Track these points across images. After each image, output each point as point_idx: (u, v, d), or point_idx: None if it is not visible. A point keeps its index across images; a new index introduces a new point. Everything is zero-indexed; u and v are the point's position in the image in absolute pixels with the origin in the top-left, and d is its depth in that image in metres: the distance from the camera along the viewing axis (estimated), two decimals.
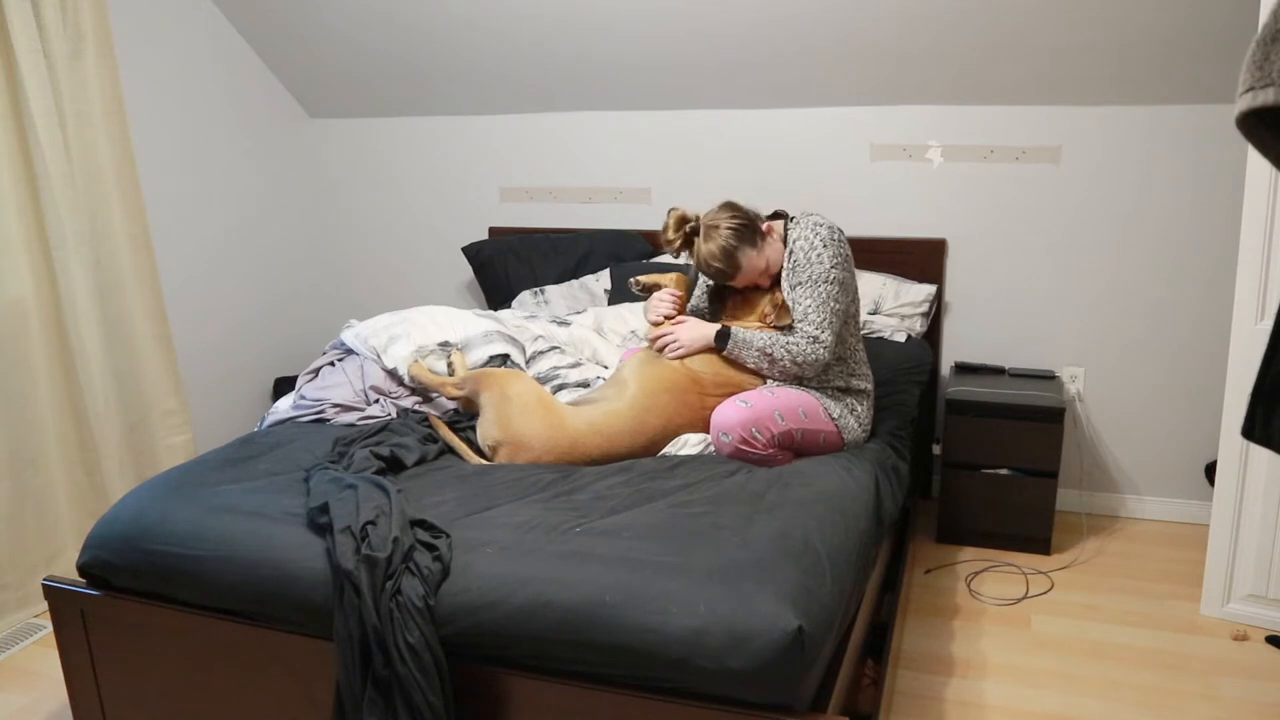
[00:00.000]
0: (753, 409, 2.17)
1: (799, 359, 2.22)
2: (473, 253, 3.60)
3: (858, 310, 2.36)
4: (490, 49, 3.38)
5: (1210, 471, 2.97)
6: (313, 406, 2.47)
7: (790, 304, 2.25)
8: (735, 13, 3.02)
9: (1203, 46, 2.74)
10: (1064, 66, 2.92)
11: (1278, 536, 2.46)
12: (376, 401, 2.49)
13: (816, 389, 2.31)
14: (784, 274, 2.29)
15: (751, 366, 2.29)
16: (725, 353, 2.29)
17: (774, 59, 3.15)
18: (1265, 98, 1.24)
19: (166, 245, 3.28)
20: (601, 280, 3.40)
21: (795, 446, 2.24)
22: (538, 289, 3.42)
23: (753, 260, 2.24)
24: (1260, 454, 2.42)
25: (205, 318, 3.55)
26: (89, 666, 1.92)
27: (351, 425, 2.38)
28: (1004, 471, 2.96)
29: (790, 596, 1.50)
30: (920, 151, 3.24)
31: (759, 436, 2.16)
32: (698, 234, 2.26)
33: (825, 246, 2.21)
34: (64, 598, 1.90)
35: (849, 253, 2.28)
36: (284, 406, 2.53)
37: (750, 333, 2.27)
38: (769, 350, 2.24)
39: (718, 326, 2.30)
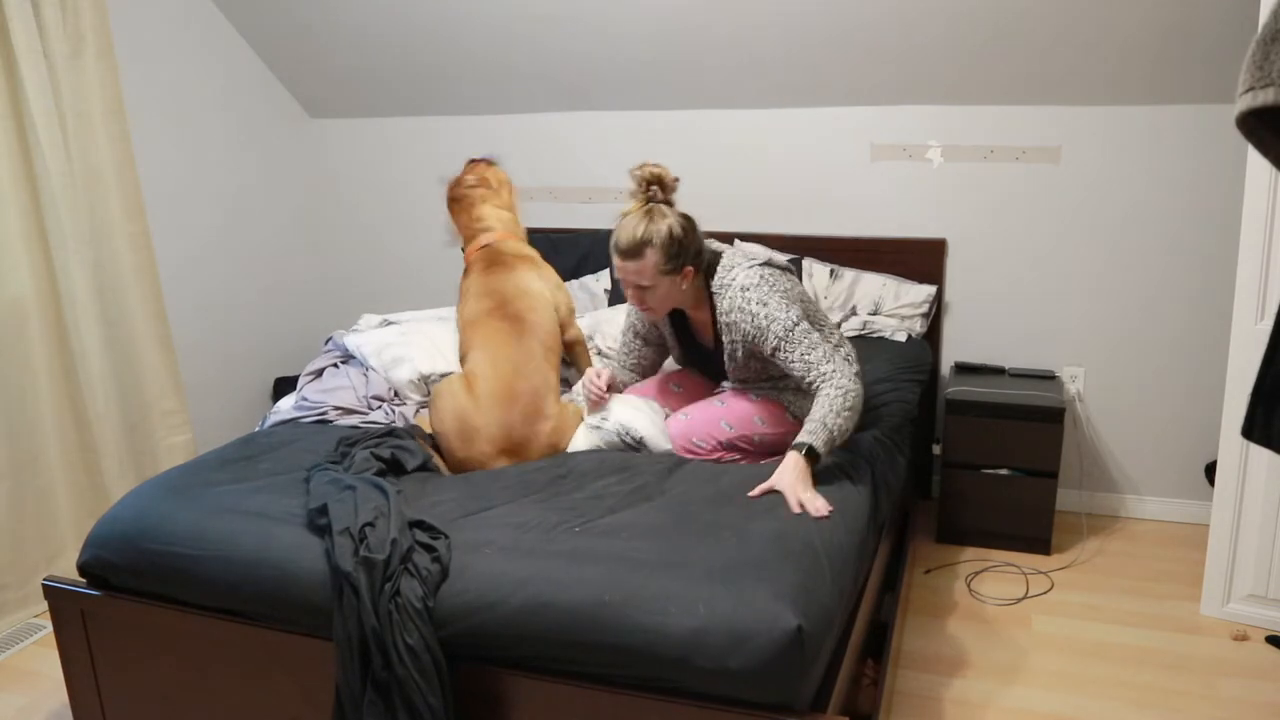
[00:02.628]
0: (689, 421, 2.20)
1: (854, 402, 2.00)
2: None
3: (818, 313, 2.21)
4: (490, 49, 3.38)
5: (1210, 471, 2.97)
6: (315, 408, 2.47)
7: (790, 369, 2.07)
8: (736, 13, 3.01)
9: (1203, 46, 2.74)
10: (1064, 66, 2.92)
11: (1278, 536, 2.46)
12: (379, 408, 2.49)
13: (776, 392, 2.23)
14: (727, 336, 2.14)
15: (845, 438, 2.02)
16: (822, 462, 1.97)
17: (774, 59, 3.15)
18: (1265, 98, 1.24)
19: (166, 245, 3.28)
20: (601, 280, 3.40)
21: (757, 448, 2.21)
22: None
23: (652, 271, 2.07)
24: (1260, 454, 2.42)
25: (205, 318, 3.54)
26: (89, 666, 1.92)
27: (355, 427, 2.38)
28: (1004, 471, 2.96)
29: (789, 596, 1.50)
30: (920, 151, 3.24)
31: (701, 445, 2.17)
32: (651, 200, 2.13)
33: (763, 305, 2.05)
34: (64, 598, 1.90)
35: (784, 279, 2.12)
36: (286, 407, 2.53)
37: (814, 426, 1.96)
38: (833, 425, 1.96)
39: (799, 459, 1.92)
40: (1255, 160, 2.31)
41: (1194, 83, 2.86)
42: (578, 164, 3.67)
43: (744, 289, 2.09)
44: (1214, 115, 2.92)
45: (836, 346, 2.11)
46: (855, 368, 2.10)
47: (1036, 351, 3.28)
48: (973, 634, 2.55)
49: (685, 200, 3.54)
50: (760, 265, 2.13)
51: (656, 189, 2.15)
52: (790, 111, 3.34)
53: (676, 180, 2.18)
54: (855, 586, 1.80)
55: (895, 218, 3.31)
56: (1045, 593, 2.76)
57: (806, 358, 2.03)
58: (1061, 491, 3.31)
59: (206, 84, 3.47)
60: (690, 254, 2.10)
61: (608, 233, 3.53)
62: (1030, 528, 2.98)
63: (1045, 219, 3.17)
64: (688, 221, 2.12)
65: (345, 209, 4.06)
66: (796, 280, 2.19)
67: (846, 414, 1.98)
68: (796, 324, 2.04)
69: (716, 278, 2.14)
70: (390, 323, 2.86)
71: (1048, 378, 3.18)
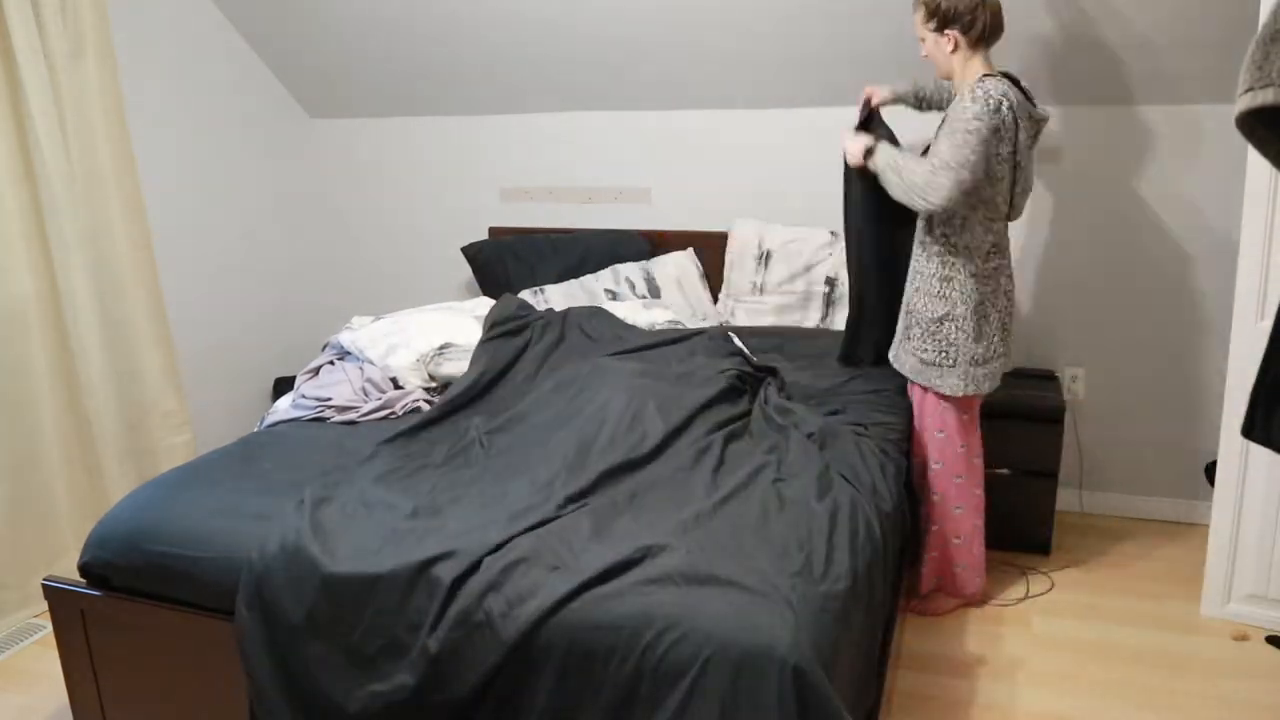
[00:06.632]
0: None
1: (907, 185, 2.31)
2: (472, 253, 3.59)
3: (997, 196, 2.34)
4: (490, 49, 3.38)
5: (1210, 471, 2.97)
6: (312, 406, 2.48)
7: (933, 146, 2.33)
8: (736, 13, 3.01)
9: (1203, 46, 2.73)
10: (1064, 66, 2.92)
11: (1278, 536, 2.46)
12: (377, 399, 2.49)
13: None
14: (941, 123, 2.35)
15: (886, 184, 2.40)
16: (871, 164, 2.43)
17: (775, 59, 3.15)
18: (1265, 98, 1.24)
19: (166, 245, 3.28)
20: (601, 280, 3.39)
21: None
22: (538, 288, 3.42)
23: (919, 24, 2.37)
24: (1260, 454, 2.42)
25: (205, 318, 3.54)
26: (89, 666, 1.92)
27: (352, 424, 2.38)
28: (1004, 471, 2.96)
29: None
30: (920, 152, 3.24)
31: None
32: None
33: (974, 102, 2.23)
34: (64, 598, 1.90)
35: (1010, 127, 2.27)
36: (284, 406, 2.53)
37: (889, 151, 2.40)
38: (898, 167, 2.34)
39: (867, 138, 2.46)
40: (1255, 160, 2.31)
41: (1194, 83, 2.86)
42: (578, 164, 3.67)
43: (983, 90, 2.24)
44: (1214, 115, 2.92)
45: (956, 168, 2.22)
46: (945, 184, 2.23)
47: (1036, 351, 3.28)
48: (973, 634, 2.55)
49: (687, 199, 3.56)
50: (1004, 107, 2.24)
51: None
52: (790, 111, 3.34)
53: None
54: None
55: None
56: (1045, 593, 2.76)
57: (939, 145, 2.27)
58: (1061, 491, 3.31)
59: (206, 84, 3.47)
60: (951, 20, 2.30)
61: (608, 232, 3.55)
62: (1030, 528, 2.98)
63: (1045, 219, 3.17)
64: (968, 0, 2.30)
65: (345, 209, 4.06)
66: (1004, 142, 2.28)
67: (901, 183, 2.33)
68: (971, 130, 2.20)
69: (982, 82, 2.27)
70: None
71: (1048, 378, 3.17)
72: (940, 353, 2.43)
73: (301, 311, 4.05)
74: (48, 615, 1.97)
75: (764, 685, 1.41)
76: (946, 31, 2.32)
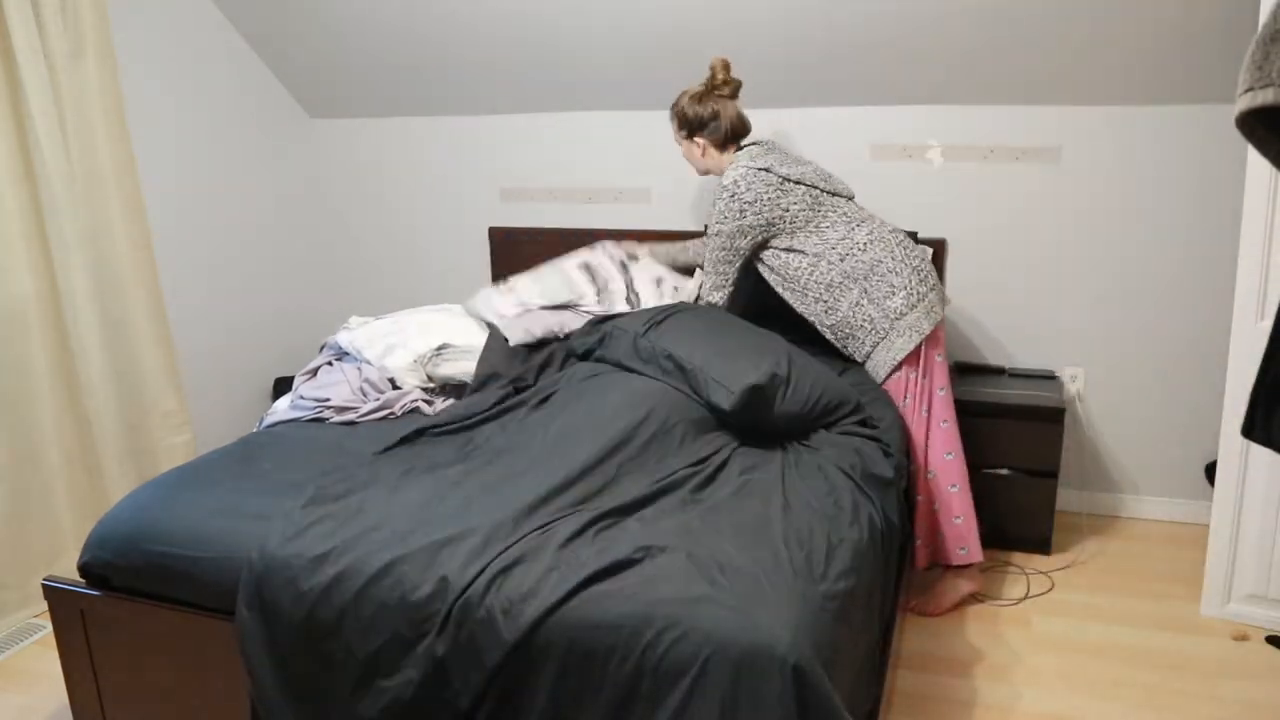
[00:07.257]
0: None
1: (696, 294, 2.73)
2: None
3: (789, 229, 2.54)
4: (490, 49, 3.38)
5: (1210, 471, 2.97)
6: (311, 407, 2.48)
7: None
8: (734, 13, 3.02)
9: (1203, 46, 2.74)
10: (1064, 66, 2.92)
11: (1278, 536, 2.46)
12: (376, 399, 2.49)
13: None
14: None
15: None
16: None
17: (774, 59, 3.15)
18: (1265, 98, 1.24)
19: (166, 245, 3.28)
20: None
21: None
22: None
23: (674, 133, 2.76)
24: (1260, 454, 2.42)
25: (205, 318, 3.54)
26: (89, 666, 1.92)
27: (351, 424, 2.38)
28: (1004, 471, 2.96)
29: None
30: (920, 151, 3.24)
31: None
32: (712, 89, 2.66)
33: (716, 202, 2.54)
34: (64, 598, 1.90)
35: (760, 184, 2.49)
36: (282, 406, 2.53)
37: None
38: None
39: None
40: (1255, 160, 2.31)
41: (1194, 83, 2.86)
42: (578, 164, 3.67)
43: (723, 185, 2.55)
44: (1214, 115, 2.92)
45: (713, 272, 2.61)
46: (710, 288, 2.64)
47: (1036, 351, 3.28)
48: (973, 634, 2.55)
49: (687, 199, 3.56)
50: (755, 168, 2.51)
51: (722, 84, 2.66)
52: (790, 111, 3.34)
53: (737, 84, 2.71)
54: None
55: (895, 218, 3.31)
56: (1045, 593, 2.76)
57: (707, 260, 2.63)
58: (1061, 491, 3.31)
59: (206, 84, 3.47)
60: (695, 128, 2.65)
61: (608, 233, 3.54)
62: (1030, 528, 2.98)
63: (1045, 219, 3.17)
64: (708, 110, 2.63)
65: (345, 209, 4.06)
66: (758, 206, 2.51)
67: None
68: (717, 234, 2.56)
69: (740, 156, 2.59)
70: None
71: (1048, 378, 3.18)
72: (872, 332, 2.53)
73: (301, 311, 4.05)
74: (48, 615, 1.97)
75: (764, 684, 1.41)
76: (696, 140, 2.66)
